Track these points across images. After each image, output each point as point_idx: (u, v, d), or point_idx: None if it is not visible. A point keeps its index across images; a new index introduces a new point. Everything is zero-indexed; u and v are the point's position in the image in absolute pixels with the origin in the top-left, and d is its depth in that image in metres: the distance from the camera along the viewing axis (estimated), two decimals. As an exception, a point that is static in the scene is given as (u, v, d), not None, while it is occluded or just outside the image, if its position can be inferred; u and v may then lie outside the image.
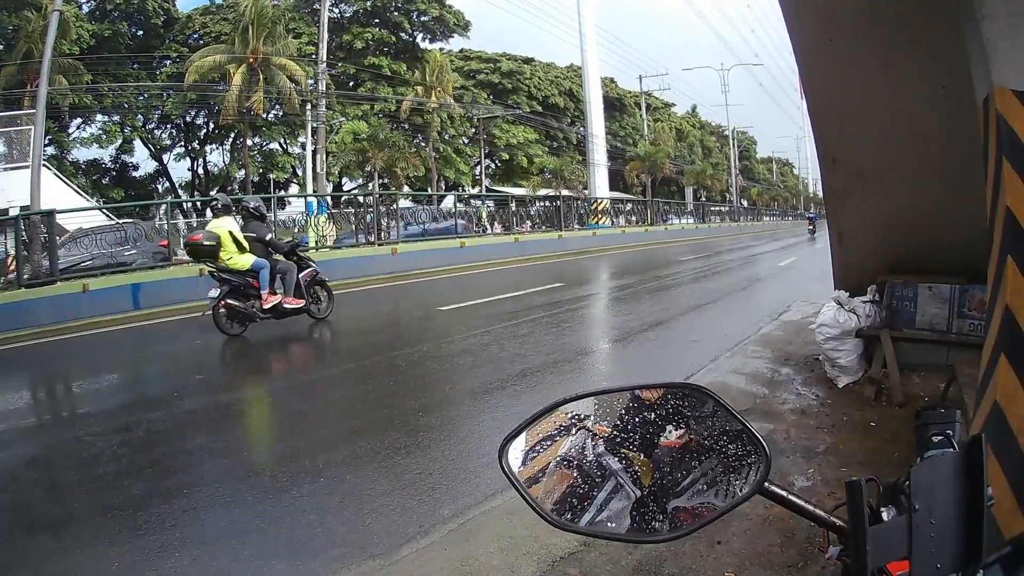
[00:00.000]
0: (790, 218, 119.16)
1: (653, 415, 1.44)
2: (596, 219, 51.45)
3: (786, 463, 6.29)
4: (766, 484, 1.31)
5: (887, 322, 8.73)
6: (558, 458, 1.44)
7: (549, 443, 1.47)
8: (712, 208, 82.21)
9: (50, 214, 20.85)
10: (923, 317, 8.56)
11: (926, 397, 8.03)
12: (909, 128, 7.58)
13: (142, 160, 60.91)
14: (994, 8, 3.76)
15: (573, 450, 1.45)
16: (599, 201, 55.33)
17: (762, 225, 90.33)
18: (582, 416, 1.48)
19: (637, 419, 1.44)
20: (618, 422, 1.45)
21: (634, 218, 58.69)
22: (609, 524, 1.37)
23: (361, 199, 42.11)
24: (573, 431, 1.47)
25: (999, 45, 3.76)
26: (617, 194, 68.90)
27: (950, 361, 7.79)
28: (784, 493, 1.35)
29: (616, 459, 1.41)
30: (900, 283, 8.78)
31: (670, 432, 1.42)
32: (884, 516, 1.33)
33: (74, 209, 24.48)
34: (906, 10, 6.44)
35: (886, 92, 7.47)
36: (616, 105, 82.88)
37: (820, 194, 13.54)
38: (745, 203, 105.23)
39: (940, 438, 1.50)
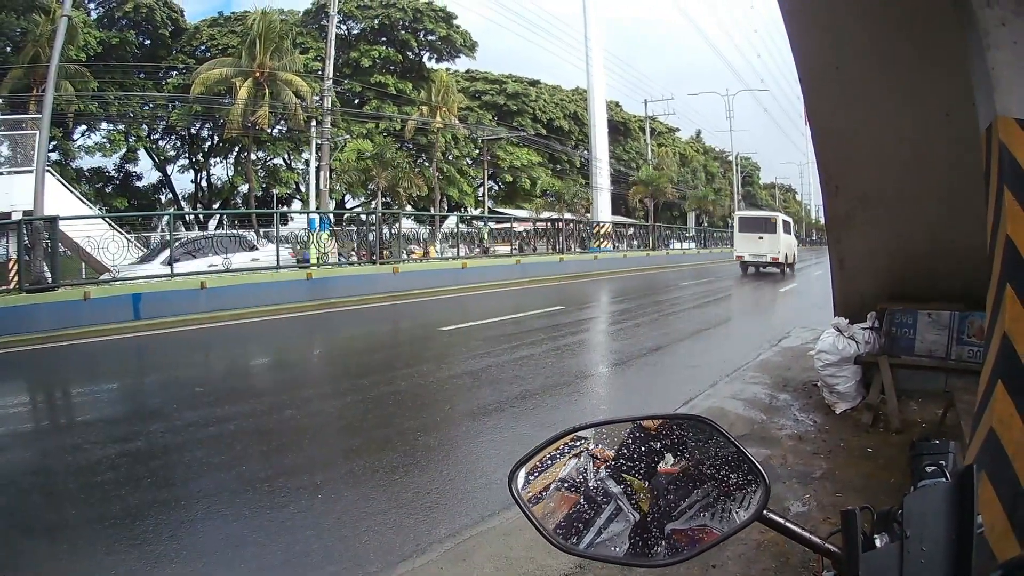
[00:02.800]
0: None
1: (654, 444, 1.47)
2: (598, 243, 51.43)
3: (782, 488, 6.29)
4: (765, 511, 1.34)
5: (886, 349, 8.76)
6: (560, 481, 1.47)
7: (552, 466, 1.49)
8: (714, 233, 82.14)
9: (53, 220, 20.81)
10: (922, 344, 8.58)
11: (923, 423, 8.03)
12: (912, 155, 7.63)
13: (146, 170, 60.86)
14: (999, 37, 3.78)
15: (576, 473, 1.47)
16: (601, 225, 55.35)
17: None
18: (585, 440, 1.51)
19: (639, 446, 1.47)
20: (620, 448, 1.48)
21: (636, 242, 58.76)
22: (609, 547, 1.39)
23: (364, 217, 42.05)
24: (576, 455, 1.50)
25: (1004, 74, 3.78)
26: (619, 218, 68.82)
27: (948, 388, 7.82)
28: (782, 520, 1.37)
29: (617, 483, 1.44)
30: (899, 310, 8.81)
31: (668, 459, 1.45)
32: (877, 543, 1.34)
33: (77, 216, 24.37)
34: (912, 38, 6.49)
35: (890, 119, 7.52)
36: (620, 129, 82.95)
37: (822, 220, 13.51)
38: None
39: (933, 468, 1.53)
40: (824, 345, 8.80)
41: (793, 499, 6.08)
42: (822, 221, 12.73)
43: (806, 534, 1.38)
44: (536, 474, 1.49)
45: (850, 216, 9.05)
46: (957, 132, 6.29)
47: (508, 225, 45.17)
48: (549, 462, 1.50)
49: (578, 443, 1.51)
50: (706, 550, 1.36)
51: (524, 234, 45.63)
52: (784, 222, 45.94)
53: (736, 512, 1.37)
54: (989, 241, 4.04)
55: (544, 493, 1.46)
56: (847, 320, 9.01)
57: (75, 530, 6.04)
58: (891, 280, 9.03)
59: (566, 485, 1.46)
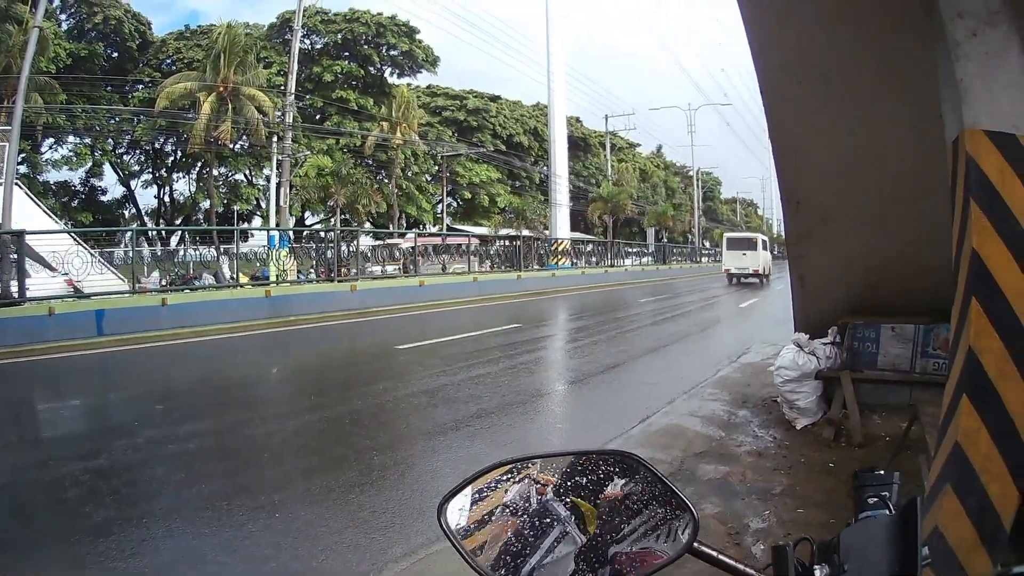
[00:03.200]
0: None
1: (595, 475, 1.47)
2: (556, 260, 51.63)
3: (742, 505, 6.30)
4: (696, 544, 1.33)
5: (848, 363, 8.77)
6: (503, 506, 1.47)
7: (492, 491, 1.49)
8: (673, 249, 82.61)
9: (20, 234, 20.59)
10: (885, 358, 8.60)
11: (887, 437, 8.07)
12: (876, 170, 7.65)
13: (110, 184, 61.01)
14: (970, 49, 3.77)
15: (519, 499, 1.48)
16: (560, 241, 55.45)
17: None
18: (527, 467, 1.52)
19: (585, 472, 1.48)
20: (566, 473, 1.50)
21: (595, 259, 59.02)
22: (553, 570, 1.38)
23: (323, 234, 42.00)
24: (518, 481, 1.50)
25: (973, 85, 3.77)
26: (578, 234, 69.15)
27: (912, 401, 7.84)
28: (714, 553, 1.36)
29: (564, 507, 1.44)
30: (861, 324, 8.85)
31: (611, 486, 1.46)
32: (817, 574, 1.32)
33: (44, 231, 24.22)
34: (877, 52, 6.50)
35: (853, 134, 7.53)
36: (581, 145, 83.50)
37: (783, 235, 13.80)
38: (708, 244, 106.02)
39: (876, 500, 1.50)
40: (784, 361, 8.80)
41: (753, 515, 6.05)
42: (783, 236, 12.87)
43: (739, 566, 1.37)
44: (474, 501, 1.47)
45: (811, 232, 9.06)
46: (923, 146, 6.30)
47: (466, 240, 45.15)
48: (488, 492, 1.49)
49: (520, 470, 1.51)
50: None
51: (482, 252, 45.57)
52: (763, 241, 55.06)
53: (670, 544, 1.36)
54: (954, 254, 4.03)
55: (486, 520, 1.45)
56: (807, 335, 9.02)
57: (41, 546, 6.03)
58: (853, 295, 9.07)
59: (509, 511, 1.46)
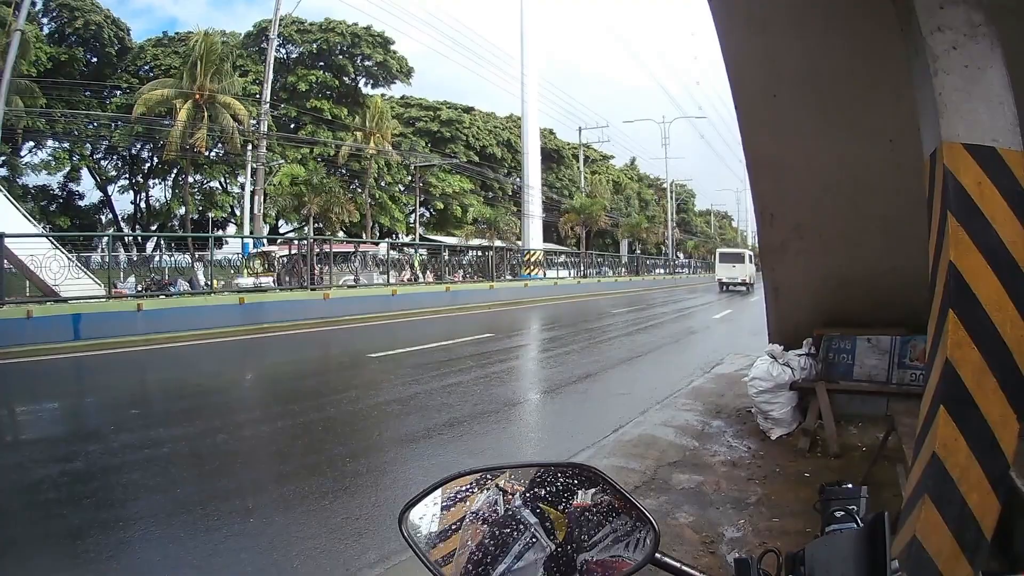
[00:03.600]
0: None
1: (559, 487, 1.48)
2: (529, 270, 51.68)
3: (716, 514, 6.32)
4: (658, 555, 1.33)
5: (823, 375, 8.80)
6: (470, 515, 1.47)
7: (459, 501, 1.50)
8: (647, 260, 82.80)
9: (0, 237, 20.46)
10: (861, 369, 8.62)
11: (863, 447, 8.12)
12: (851, 183, 7.67)
13: (88, 189, 60.83)
14: (949, 62, 3.79)
15: (487, 507, 1.49)
16: (532, 252, 55.56)
17: (698, 278, 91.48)
18: (494, 475, 1.53)
19: (553, 481, 1.48)
20: (534, 482, 1.50)
21: (568, 270, 59.16)
22: None
23: (296, 243, 41.89)
24: (484, 489, 1.51)
25: (951, 99, 3.79)
26: (551, 246, 69.22)
27: (889, 412, 7.82)
28: (677, 564, 1.36)
29: (532, 513, 1.45)
30: (837, 336, 8.87)
31: (578, 496, 1.46)
32: None
33: (23, 235, 24.09)
34: (853, 65, 6.51)
35: (829, 147, 7.55)
36: (554, 156, 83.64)
37: (757, 247, 13.96)
38: (681, 256, 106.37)
39: (842, 514, 1.50)
40: (758, 372, 8.82)
41: (727, 524, 6.08)
42: (758, 247, 12.95)
43: None
44: (441, 512, 1.49)
45: (785, 245, 9.09)
46: (899, 159, 6.33)
47: (442, 254, 45.15)
48: (454, 501, 1.50)
49: (485, 480, 1.52)
50: None
51: (454, 263, 45.54)
52: (749, 255, 62.49)
53: (634, 555, 1.36)
54: (931, 267, 4.04)
55: (453, 528, 1.46)
56: (782, 347, 9.04)
57: (20, 548, 6.06)
58: (827, 307, 9.10)
59: (476, 519, 1.47)
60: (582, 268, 62.09)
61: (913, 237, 5.07)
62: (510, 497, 1.47)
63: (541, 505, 1.44)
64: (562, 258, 62.33)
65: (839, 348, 8.83)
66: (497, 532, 1.42)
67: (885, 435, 7.24)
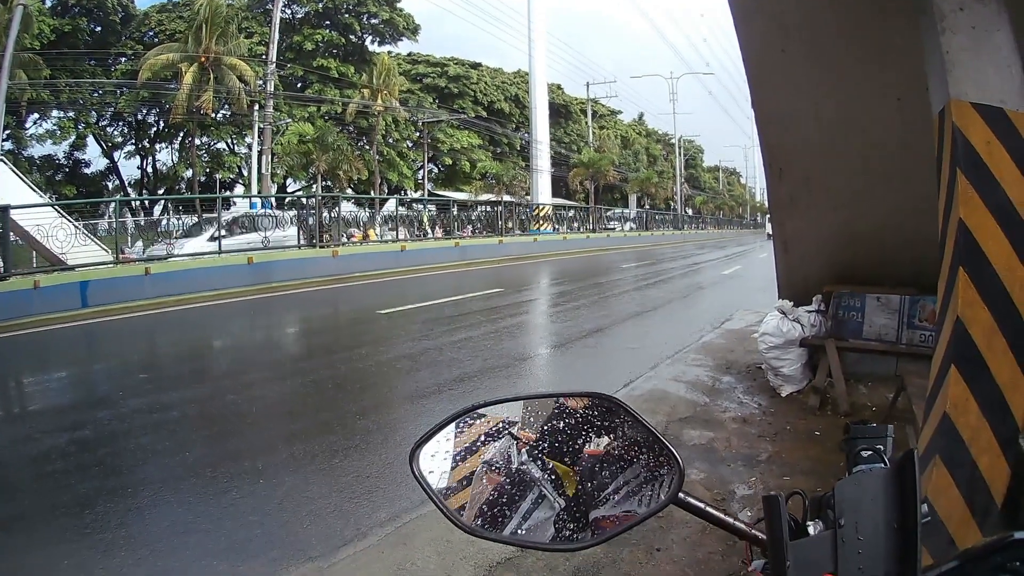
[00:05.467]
0: (736, 227, 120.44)
1: (576, 423, 1.43)
2: (538, 225, 51.58)
3: (727, 471, 6.33)
4: (681, 495, 1.31)
5: (832, 332, 8.77)
6: (483, 464, 1.44)
7: (474, 449, 1.45)
8: (656, 216, 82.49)
9: (5, 209, 20.44)
10: (871, 327, 8.59)
11: (873, 407, 8.09)
12: (860, 138, 7.60)
13: (94, 157, 60.27)
14: (956, 22, 3.76)
15: (498, 456, 1.44)
16: (541, 207, 55.43)
17: (706, 234, 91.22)
18: (508, 422, 1.47)
19: (561, 426, 1.44)
20: (544, 429, 1.45)
21: (576, 224, 58.96)
22: (532, 533, 1.37)
23: (304, 201, 41.83)
24: (499, 437, 1.46)
25: (959, 58, 3.76)
26: (560, 200, 68.93)
27: (899, 372, 7.82)
28: (701, 504, 1.34)
29: (540, 468, 1.41)
30: (847, 293, 8.82)
31: (593, 441, 1.42)
32: (811, 530, 1.29)
33: (29, 205, 24.01)
34: (861, 22, 6.44)
35: (837, 102, 7.47)
36: (562, 112, 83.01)
37: (766, 203, 13.92)
38: (690, 211, 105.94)
39: (870, 453, 1.44)
40: (768, 327, 8.79)
41: (738, 482, 6.10)
42: (767, 204, 12.88)
43: (728, 519, 1.36)
44: (456, 458, 1.45)
45: (794, 199, 9.03)
46: (908, 116, 6.29)
47: (451, 210, 45.02)
48: (472, 447, 1.46)
49: (500, 423, 1.47)
50: (621, 532, 1.33)
51: (463, 219, 45.47)
52: None
53: (655, 495, 1.33)
54: (940, 225, 4.03)
55: (467, 479, 1.43)
56: (791, 303, 9.00)
57: (28, 520, 6.02)
58: (837, 263, 9.04)
59: (489, 468, 1.43)
60: (591, 223, 61.47)
61: (921, 195, 5.05)
62: (523, 445, 1.44)
63: (549, 459, 1.41)
64: (571, 213, 62.09)
65: (849, 305, 8.80)
66: (508, 484, 1.40)
67: (895, 395, 7.23)
